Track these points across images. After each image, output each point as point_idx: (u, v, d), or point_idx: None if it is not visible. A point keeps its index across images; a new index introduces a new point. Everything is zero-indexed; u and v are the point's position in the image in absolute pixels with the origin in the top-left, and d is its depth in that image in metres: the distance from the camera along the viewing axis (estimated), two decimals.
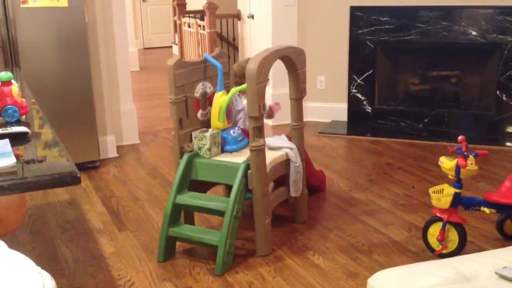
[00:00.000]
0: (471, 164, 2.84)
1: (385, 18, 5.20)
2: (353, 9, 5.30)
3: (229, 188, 3.17)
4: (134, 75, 7.11)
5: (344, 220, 3.46)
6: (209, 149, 3.04)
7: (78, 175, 1.71)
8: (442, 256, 2.84)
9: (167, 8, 11.37)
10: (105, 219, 3.55)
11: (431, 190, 2.95)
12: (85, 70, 4.26)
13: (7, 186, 1.63)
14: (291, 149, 3.24)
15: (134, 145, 5.02)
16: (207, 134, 3.04)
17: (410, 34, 5.14)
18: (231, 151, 3.13)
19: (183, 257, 3.04)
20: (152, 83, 8.06)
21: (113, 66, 4.78)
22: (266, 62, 2.88)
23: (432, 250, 2.97)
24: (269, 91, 5.03)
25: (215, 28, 6.96)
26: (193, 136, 3.09)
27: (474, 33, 4.96)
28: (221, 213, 2.91)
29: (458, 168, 2.83)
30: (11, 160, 1.78)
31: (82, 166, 4.28)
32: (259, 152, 2.90)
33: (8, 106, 2.28)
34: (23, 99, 2.39)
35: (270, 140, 3.21)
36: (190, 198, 3.00)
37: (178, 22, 8.32)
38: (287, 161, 3.23)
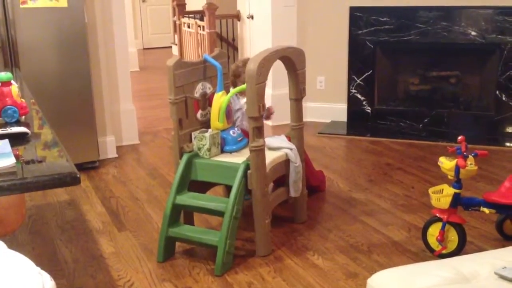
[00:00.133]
0: (471, 164, 2.84)
1: (384, 19, 5.20)
2: (353, 10, 5.30)
3: (228, 188, 3.17)
4: (134, 75, 7.11)
5: (344, 220, 3.46)
6: (209, 150, 3.04)
7: (78, 176, 1.71)
8: (441, 256, 2.84)
9: (166, 9, 11.38)
10: (105, 220, 3.55)
11: (430, 190, 2.95)
12: (85, 71, 4.26)
13: (6, 187, 1.63)
14: (291, 149, 3.24)
15: (133, 146, 5.02)
16: (207, 135, 3.04)
17: (409, 35, 5.14)
18: (230, 152, 3.13)
19: (182, 258, 3.04)
20: (151, 83, 8.06)
21: (113, 66, 4.78)
22: (265, 62, 2.88)
23: (431, 250, 2.97)
24: (268, 91, 5.04)
25: (215, 29, 6.96)
26: (193, 136, 3.09)
27: (473, 33, 4.96)
28: (220, 214, 2.91)
29: (457, 168, 2.83)
30: (10, 161, 1.78)
31: (81, 167, 4.28)
32: (258, 153, 2.90)
33: (8, 106, 2.28)
34: (23, 100, 2.39)
35: (269, 141, 3.21)
36: (189, 199, 3.00)
37: (177, 22, 8.32)
38: (286, 162, 3.23)
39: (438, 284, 1.82)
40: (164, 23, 11.45)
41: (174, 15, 9.11)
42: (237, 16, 6.55)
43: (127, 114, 4.97)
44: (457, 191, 2.86)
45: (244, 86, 2.94)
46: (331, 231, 3.32)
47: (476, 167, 2.86)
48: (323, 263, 2.96)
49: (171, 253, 3.05)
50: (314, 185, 3.79)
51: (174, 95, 2.98)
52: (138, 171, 4.41)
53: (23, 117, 2.34)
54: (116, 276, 2.89)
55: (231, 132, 3.16)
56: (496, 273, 1.85)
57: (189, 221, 3.25)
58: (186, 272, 2.89)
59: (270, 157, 3.08)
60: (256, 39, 5.85)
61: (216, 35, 7.13)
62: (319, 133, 5.26)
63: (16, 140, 2.06)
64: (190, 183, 3.08)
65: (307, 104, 5.46)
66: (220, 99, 3.09)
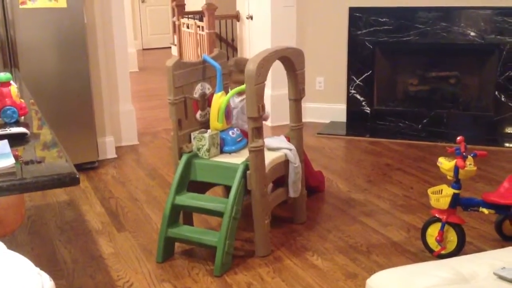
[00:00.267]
0: (470, 165, 2.84)
1: (384, 19, 5.20)
2: (352, 10, 5.30)
3: (228, 189, 3.17)
4: (133, 76, 7.10)
5: (343, 220, 3.46)
6: (208, 150, 3.04)
7: (77, 176, 1.71)
8: (440, 256, 2.84)
9: (166, 9, 11.38)
10: (104, 220, 3.55)
11: (430, 190, 2.95)
12: (84, 71, 4.26)
13: (6, 187, 1.63)
14: (290, 149, 3.24)
15: (133, 146, 5.02)
16: (206, 135, 3.04)
17: (409, 35, 5.15)
18: (230, 152, 3.13)
19: (182, 258, 3.04)
20: (151, 84, 8.06)
21: (112, 67, 4.78)
22: (265, 63, 2.88)
23: (430, 250, 2.97)
24: (268, 92, 5.04)
25: (214, 29, 6.96)
26: (192, 137, 3.09)
27: (472, 34, 4.96)
28: (220, 214, 2.91)
29: (456, 169, 2.83)
30: (10, 161, 1.78)
31: (81, 167, 4.28)
32: (258, 153, 2.90)
33: (7, 107, 2.28)
34: (22, 100, 2.39)
35: (269, 141, 3.22)
36: (189, 199, 3.00)
37: (177, 23, 8.32)
38: (286, 162, 3.23)
39: (437, 284, 1.82)
40: (163, 23, 11.45)
41: (173, 15, 9.11)
42: (237, 17, 6.55)
43: (127, 115, 4.97)
44: (456, 191, 2.87)
45: (243, 86, 2.94)
46: (330, 232, 3.32)
47: (475, 168, 2.86)
48: (322, 263, 2.96)
49: (171, 254, 3.05)
50: (313, 185, 3.79)
51: (174, 96, 2.98)
52: (137, 172, 4.41)
53: (22, 117, 2.35)
54: (116, 276, 2.89)
55: (230, 132, 3.16)
56: (495, 274, 1.85)
57: (189, 221, 3.25)
58: (186, 273, 2.90)
59: (269, 157, 3.08)
60: (256, 40, 5.85)
61: (216, 35, 7.13)
62: (318, 133, 5.26)
63: (16, 140, 2.06)
64: (190, 184, 3.09)
65: (306, 105, 5.46)
66: (219, 100, 3.09)
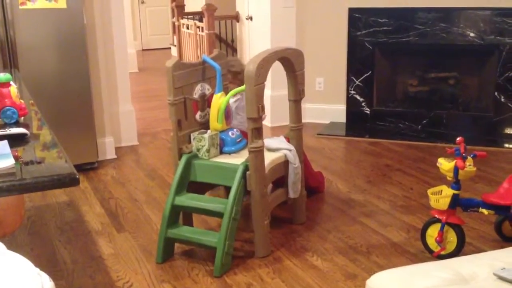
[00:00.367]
0: (470, 166, 2.84)
1: (383, 20, 5.21)
2: (352, 11, 5.31)
3: (227, 189, 3.17)
4: (133, 76, 7.11)
5: (343, 221, 3.46)
6: (208, 151, 3.04)
7: (77, 177, 1.71)
8: (440, 257, 2.84)
9: (165, 10, 11.38)
10: (104, 221, 3.55)
11: (429, 191, 2.95)
12: (84, 72, 4.26)
13: (5, 188, 1.63)
14: (290, 150, 3.24)
15: (132, 147, 5.02)
16: (206, 136, 3.04)
17: (408, 36, 5.15)
18: (229, 153, 3.13)
19: (181, 259, 3.04)
20: (150, 84, 8.07)
21: (112, 67, 4.78)
22: (265, 63, 2.88)
23: (430, 251, 2.97)
24: (267, 92, 5.04)
25: (214, 30, 6.96)
26: (192, 137, 3.09)
27: (472, 34, 4.97)
28: (219, 215, 2.91)
29: (456, 170, 2.83)
30: (9, 162, 1.78)
31: (80, 168, 4.27)
32: (257, 154, 2.90)
33: (7, 107, 2.28)
34: (22, 101, 2.39)
35: (268, 142, 3.22)
36: (188, 200, 3.00)
37: (176, 23, 8.32)
38: (285, 163, 3.23)
39: (437, 285, 1.82)
40: (163, 24, 11.46)
41: (173, 16, 9.11)
42: (236, 17, 6.55)
43: (126, 115, 4.97)
44: (456, 192, 2.87)
45: (243, 87, 2.94)
46: (330, 232, 3.32)
47: (474, 168, 2.86)
48: (322, 264, 2.96)
49: (170, 254, 3.05)
50: (313, 186, 3.79)
51: (173, 96, 2.98)
52: (137, 172, 4.41)
53: (22, 118, 2.35)
54: (115, 277, 2.89)
55: (230, 133, 3.16)
56: (495, 274, 1.85)
57: (188, 222, 3.25)
58: (185, 273, 2.90)
59: (269, 158, 3.08)
60: (255, 40, 5.85)
61: (215, 36, 7.13)
62: (318, 134, 5.27)
63: (15, 141, 2.06)
64: (189, 184, 3.09)
65: (306, 105, 5.46)
66: (219, 100, 3.09)
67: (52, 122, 2.68)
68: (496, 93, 5.01)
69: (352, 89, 5.45)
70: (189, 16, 8.16)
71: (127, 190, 4.04)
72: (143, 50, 11.37)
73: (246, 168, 2.92)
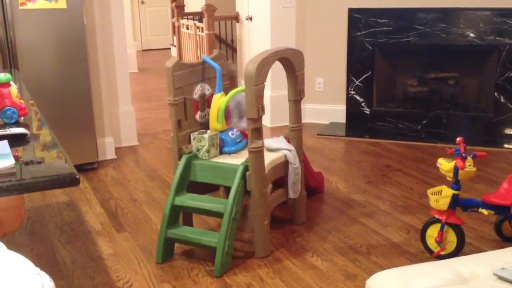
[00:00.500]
0: (469, 166, 2.84)
1: (383, 20, 5.21)
2: (351, 11, 5.31)
3: (227, 189, 3.17)
4: (133, 76, 7.11)
5: (343, 221, 3.46)
6: (208, 151, 3.04)
7: (77, 176, 1.71)
8: (440, 257, 2.84)
9: (165, 10, 11.39)
10: (104, 221, 3.55)
11: (429, 191, 2.96)
12: (84, 72, 4.26)
13: (5, 188, 1.63)
14: (290, 150, 3.24)
15: (132, 147, 5.02)
16: (206, 136, 3.04)
17: (408, 36, 5.15)
18: (229, 153, 3.14)
19: (181, 259, 3.04)
20: (150, 85, 8.07)
21: (112, 67, 4.78)
22: (264, 63, 2.88)
23: (430, 251, 2.97)
24: (267, 93, 5.04)
25: (214, 30, 6.96)
26: (192, 137, 3.10)
27: (472, 35, 4.97)
28: (219, 215, 2.91)
29: (456, 170, 2.83)
30: (10, 162, 1.79)
31: (80, 168, 4.28)
32: (257, 154, 2.90)
33: (7, 107, 2.28)
34: (22, 101, 2.40)
35: (268, 142, 3.22)
36: (188, 200, 3.00)
37: (176, 24, 8.32)
38: (285, 163, 3.23)
39: (437, 285, 1.82)
40: (163, 24, 11.46)
41: (173, 16, 9.11)
42: (236, 18, 6.55)
43: (126, 116, 4.97)
44: (455, 192, 2.87)
45: (243, 87, 2.94)
46: (330, 233, 3.32)
47: (474, 169, 2.86)
48: (322, 264, 2.96)
49: (170, 254, 3.05)
50: (313, 186, 3.79)
51: (173, 97, 2.98)
52: (137, 173, 4.41)
53: (22, 118, 2.35)
54: (115, 277, 2.89)
55: (230, 133, 3.16)
56: (495, 274, 1.85)
57: (188, 222, 3.25)
58: (185, 273, 2.90)
59: (269, 158, 3.08)
60: (255, 41, 5.86)
61: (215, 36, 7.13)
62: (317, 134, 5.27)
63: (15, 141, 2.06)
64: (189, 184, 3.09)
65: (305, 106, 5.47)
66: (219, 100, 3.09)
67: (52, 122, 2.69)
68: (495, 94, 5.01)
69: (352, 89, 5.45)
70: (189, 17, 8.16)
71: (127, 190, 4.04)
72: (143, 50, 11.38)
73: (246, 168, 2.92)
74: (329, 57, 5.51)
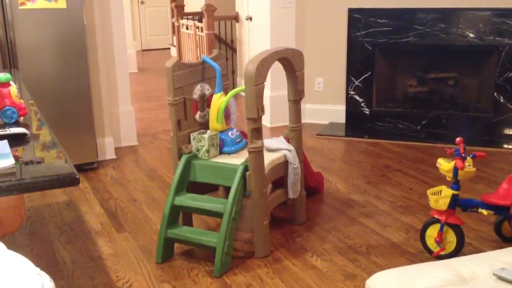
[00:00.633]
0: (469, 166, 2.84)
1: (383, 20, 5.21)
2: (351, 11, 5.31)
3: (227, 189, 3.17)
4: (132, 76, 7.11)
5: (342, 221, 3.46)
6: (208, 151, 3.04)
7: (77, 176, 1.71)
8: (440, 257, 2.84)
9: (165, 10, 11.39)
10: (103, 221, 3.55)
11: (429, 191, 2.96)
12: (84, 72, 4.26)
13: (5, 187, 1.63)
14: (289, 150, 3.24)
15: (132, 147, 5.02)
16: (206, 136, 3.04)
17: (408, 36, 5.15)
18: (229, 153, 3.14)
19: (181, 259, 3.04)
20: (150, 85, 8.07)
21: (111, 67, 4.78)
22: (264, 63, 2.89)
23: (430, 251, 2.97)
24: (267, 93, 5.04)
25: (213, 30, 6.96)
26: (192, 137, 3.10)
27: (471, 35, 4.97)
28: (219, 215, 2.91)
29: (456, 170, 2.83)
30: (9, 161, 1.79)
31: (80, 168, 4.28)
32: (257, 154, 2.90)
33: (7, 107, 2.28)
34: (22, 101, 2.40)
35: (268, 142, 3.22)
36: (188, 200, 3.00)
37: (176, 24, 8.32)
38: (285, 163, 3.23)
39: (436, 285, 1.82)
40: (162, 24, 11.46)
41: (172, 16, 9.11)
42: (236, 18, 6.56)
43: (126, 116, 4.97)
44: (455, 192, 2.87)
45: (242, 87, 2.95)
46: (329, 233, 3.32)
47: (474, 169, 2.86)
48: (322, 264, 2.96)
49: (170, 254, 3.05)
50: (313, 186, 3.79)
51: (173, 97, 2.98)
52: (136, 173, 4.41)
53: (22, 118, 2.35)
54: (115, 277, 2.89)
55: (229, 133, 3.16)
56: (494, 275, 1.85)
57: (188, 222, 3.25)
58: (185, 274, 2.90)
59: (269, 158, 3.09)
60: (255, 41, 5.86)
61: (215, 36, 7.13)
62: (317, 134, 5.27)
63: (15, 141, 2.06)
64: (189, 184, 3.09)
65: (305, 106, 5.47)
66: (219, 100, 3.09)
67: (52, 122, 2.69)
68: (495, 94, 5.01)
69: (352, 89, 5.45)
70: (188, 17, 8.16)
71: (126, 190, 4.04)
72: (142, 50, 11.38)
73: (245, 169, 2.92)
74: (329, 57, 5.51)
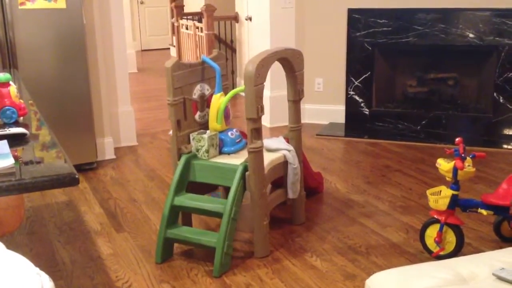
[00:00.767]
0: (469, 166, 2.84)
1: (382, 21, 5.21)
2: (351, 11, 5.31)
3: (227, 190, 3.17)
4: (132, 77, 7.11)
5: (342, 222, 3.46)
6: (207, 151, 3.04)
7: (77, 176, 1.71)
8: (439, 257, 2.84)
9: (165, 10, 11.38)
10: (103, 221, 3.55)
11: (428, 192, 2.96)
12: (83, 72, 4.26)
13: (5, 187, 1.63)
14: (289, 151, 3.24)
15: (131, 147, 5.02)
16: (205, 136, 3.04)
17: (407, 37, 5.15)
18: (229, 153, 3.14)
19: (181, 259, 3.04)
20: (149, 85, 8.07)
21: (111, 68, 4.78)
22: (264, 64, 2.89)
23: (429, 251, 2.97)
24: (266, 93, 5.04)
25: (213, 30, 6.96)
26: (191, 137, 3.10)
27: (471, 35, 4.97)
28: (219, 215, 2.91)
29: (455, 170, 2.83)
30: (9, 161, 1.79)
31: (79, 168, 4.28)
32: (257, 154, 2.90)
33: (6, 107, 2.28)
34: (21, 101, 2.40)
35: (268, 142, 3.22)
36: (188, 200, 3.00)
37: (176, 24, 8.32)
38: (285, 163, 3.23)
39: (436, 285, 1.82)
40: (162, 24, 11.46)
41: (172, 16, 9.11)
42: (236, 18, 6.56)
43: (125, 116, 4.97)
44: (455, 192, 2.87)
45: (242, 87, 2.94)
46: (329, 233, 3.32)
47: (474, 169, 2.86)
48: (321, 264, 2.96)
49: (169, 255, 3.05)
50: (312, 186, 3.79)
51: (173, 97, 2.98)
52: (136, 173, 4.41)
53: (22, 118, 2.35)
54: (114, 277, 2.89)
55: (229, 133, 3.16)
56: (494, 275, 1.85)
57: (187, 222, 3.25)
58: (184, 274, 2.90)
59: (268, 158, 3.08)
60: (255, 41, 5.86)
61: (215, 36, 7.13)
62: (317, 134, 5.27)
63: (15, 141, 2.06)
64: (188, 185, 3.09)
65: (305, 106, 5.47)
66: (218, 101, 3.09)
67: (51, 122, 2.68)
68: (495, 94, 5.01)
69: (351, 89, 5.45)
70: (188, 17, 8.16)
71: (126, 191, 4.04)
72: (142, 50, 11.38)
73: (245, 169, 2.92)
74: (329, 57, 5.51)
